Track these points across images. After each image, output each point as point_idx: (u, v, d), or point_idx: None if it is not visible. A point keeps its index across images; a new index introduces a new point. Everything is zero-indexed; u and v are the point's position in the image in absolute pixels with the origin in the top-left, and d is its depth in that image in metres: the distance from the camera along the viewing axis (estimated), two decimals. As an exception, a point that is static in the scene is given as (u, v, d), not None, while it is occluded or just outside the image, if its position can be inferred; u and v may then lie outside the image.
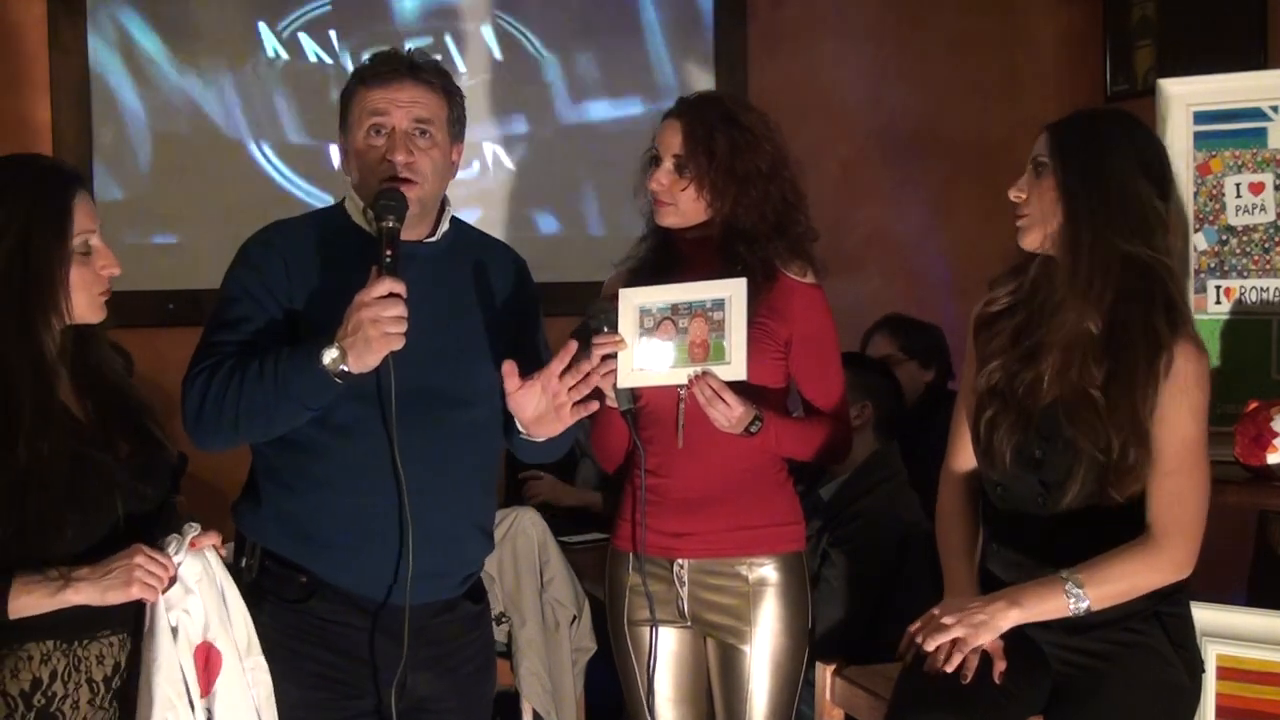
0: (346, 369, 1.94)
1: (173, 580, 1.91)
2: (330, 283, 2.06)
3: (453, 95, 2.18)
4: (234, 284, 2.12)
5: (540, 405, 2.09)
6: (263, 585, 2.12)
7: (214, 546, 1.98)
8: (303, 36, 4.30)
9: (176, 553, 1.92)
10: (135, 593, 1.86)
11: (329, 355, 1.93)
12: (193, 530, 1.95)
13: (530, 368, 2.10)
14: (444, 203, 2.21)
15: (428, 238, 2.17)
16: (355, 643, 2.11)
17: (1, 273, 1.88)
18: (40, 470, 1.84)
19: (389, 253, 1.97)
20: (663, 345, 2.27)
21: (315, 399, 1.99)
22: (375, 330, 1.91)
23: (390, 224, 1.99)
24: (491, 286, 2.22)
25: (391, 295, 1.93)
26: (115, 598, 1.86)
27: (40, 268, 1.91)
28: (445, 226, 2.20)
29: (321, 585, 2.10)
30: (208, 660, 1.94)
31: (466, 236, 2.27)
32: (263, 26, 4.27)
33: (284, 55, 4.28)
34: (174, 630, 1.91)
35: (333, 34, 4.31)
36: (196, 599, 1.93)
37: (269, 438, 2.08)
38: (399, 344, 1.94)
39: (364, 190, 2.13)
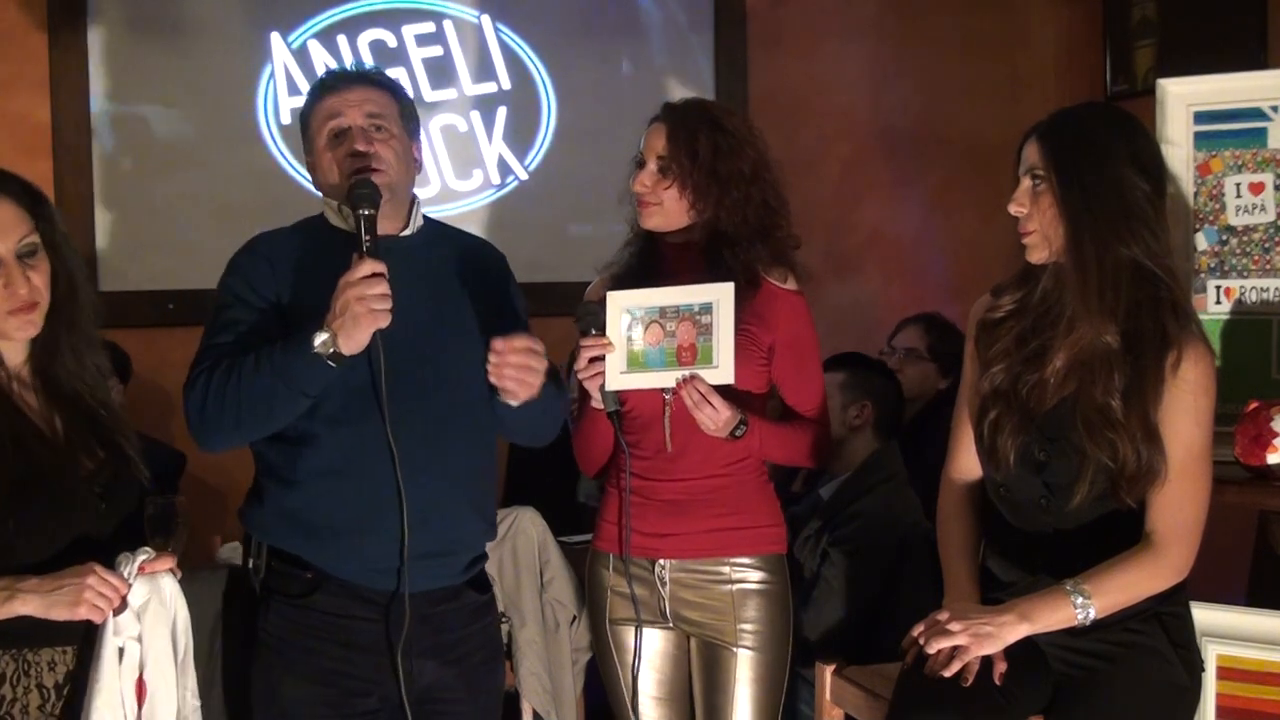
0: (338, 350, 2.01)
1: (124, 603, 1.89)
2: (315, 282, 2.12)
3: (400, 94, 2.29)
4: (225, 292, 2.21)
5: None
6: (270, 584, 2.16)
7: (170, 570, 1.96)
8: (312, 45, 4.33)
9: (129, 574, 1.90)
10: (82, 613, 1.85)
11: (320, 338, 2.00)
12: (144, 555, 1.93)
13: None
14: (414, 200, 2.29)
15: (401, 231, 2.24)
16: (360, 634, 2.13)
17: None
18: None
19: (368, 238, 2.05)
20: (650, 348, 2.29)
21: (311, 384, 2.05)
22: (362, 307, 1.99)
23: (366, 211, 2.07)
24: (469, 276, 2.27)
25: (374, 275, 2.01)
26: (60, 614, 1.84)
27: None
28: (419, 221, 2.28)
29: (326, 579, 2.14)
30: (140, 689, 1.93)
31: (441, 231, 2.35)
32: (274, 36, 4.30)
33: (292, 62, 4.31)
34: (120, 651, 1.90)
35: (341, 40, 4.34)
36: (140, 626, 1.92)
37: (270, 431, 2.12)
38: (385, 320, 2.02)
39: (336, 193, 2.20)
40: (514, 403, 2.15)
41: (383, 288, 2.00)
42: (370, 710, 2.13)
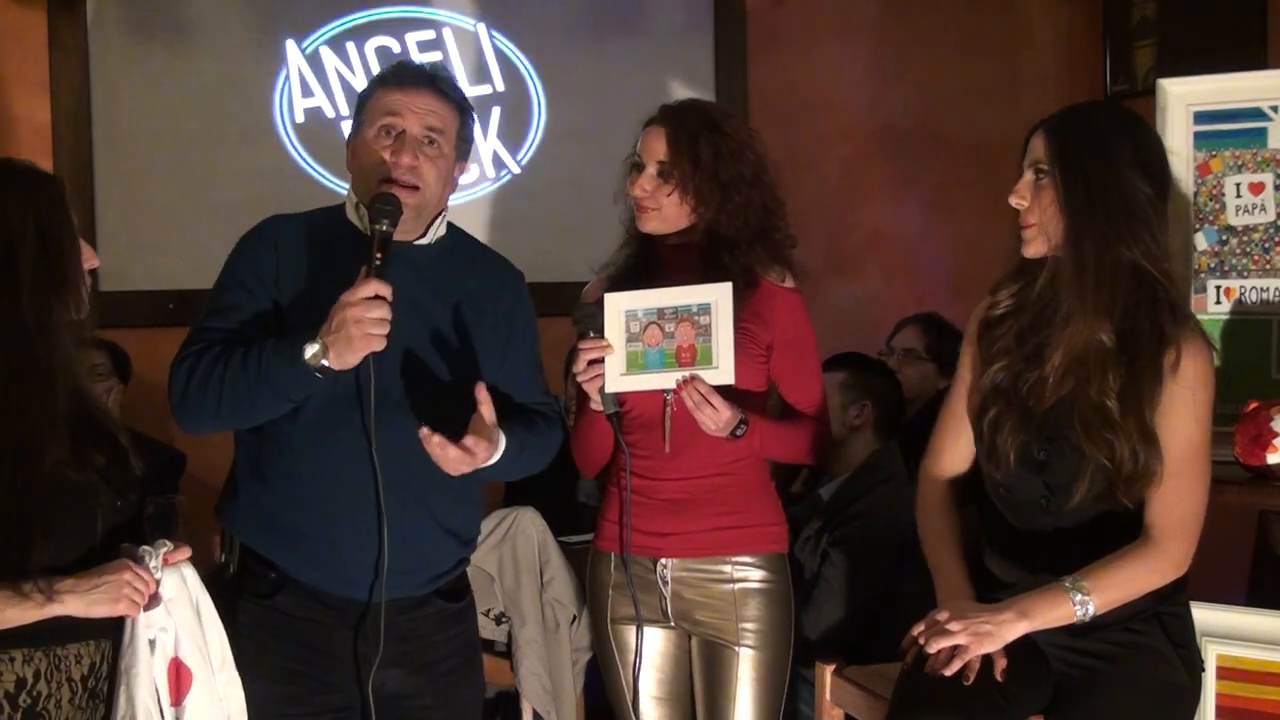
0: (327, 364, 1.98)
1: (155, 597, 1.92)
2: (319, 275, 2.10)
3: (465, 112, 2.22)
4: (228, 273, 2.17)
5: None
6: (241, 581, 2.15)
7: (188, 560, 1.99)
8: (324, 51, 4.36)
9: (155, 569, 1.93)
10: (122, 609, 1.87)
11: (311, 350, 1.98)
12: (165, 547, 1.96)
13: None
14: (440, 211, 2.23)
15: (418, 239, 2.19)
16: (323, 638, 2.12)
17: (31, 273, 1.88)
18: (33, 487, 1.82)
19: (379, 256, 2.01)
20: (649, 350, 2.29)
21: (295, 391, 2.03)
22: (358, 330, 1.95)
23: (384, 227, 2.02)
24: (480, 294, 2.23)
25: (377, 297, 1.96)
26: (102, 611, 1.86)
27: (67, 264, 1.92)
28: (441, 231, 2.23)
29: (289, 580, 2.13)
30: (178, 675, 1.95)
31: (461, 244, 2.29)
32: (290, 44, 4.32)
33: (303, 65, 4.33)
34: (151, 643, 1.93)
35: (350, 47, 4.37)
36: (171, 618, 1.95)
37: (251, 424, 2.11)
38: (380, 345, 1.98)
39: (361, 186, 2.16)
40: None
41: (382, 312, 1.96)
42: (339, 707, 2.12)
